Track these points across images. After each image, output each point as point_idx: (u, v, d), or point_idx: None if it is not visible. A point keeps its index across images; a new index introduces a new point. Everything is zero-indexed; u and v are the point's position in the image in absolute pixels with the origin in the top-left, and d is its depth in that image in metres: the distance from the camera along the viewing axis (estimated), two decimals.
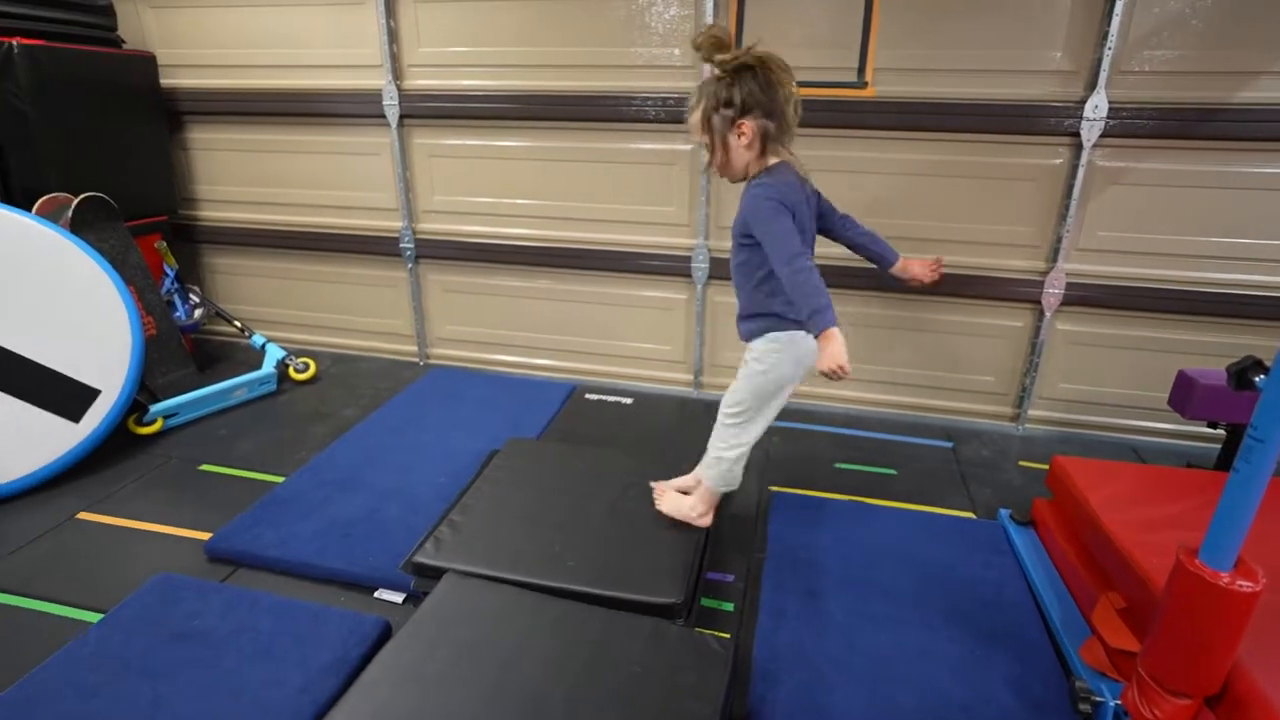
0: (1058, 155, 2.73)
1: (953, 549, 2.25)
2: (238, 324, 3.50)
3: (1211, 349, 2.80)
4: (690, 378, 3.44)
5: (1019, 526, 2.38)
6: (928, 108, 2.76)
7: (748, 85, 1.62)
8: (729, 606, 2.03)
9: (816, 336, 1.58)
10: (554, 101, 3.09)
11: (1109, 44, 2.51)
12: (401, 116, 3.26)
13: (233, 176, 3.64)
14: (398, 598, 2.01)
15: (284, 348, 3.46)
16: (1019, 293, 2.92)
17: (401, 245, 3.49)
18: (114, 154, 3.21)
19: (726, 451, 1.97)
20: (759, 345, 1.88)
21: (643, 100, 2.98)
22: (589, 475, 2.34)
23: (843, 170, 2.94)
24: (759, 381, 1.88)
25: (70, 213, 2.86)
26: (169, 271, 3.43)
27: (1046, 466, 2.81)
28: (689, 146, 3.04)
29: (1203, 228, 2.69)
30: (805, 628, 1.89)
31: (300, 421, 3.06)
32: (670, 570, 1.88)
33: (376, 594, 2.02)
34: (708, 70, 1.68)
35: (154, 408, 2.85)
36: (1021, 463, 2.88)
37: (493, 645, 1.60)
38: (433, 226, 3.49)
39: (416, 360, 3.76)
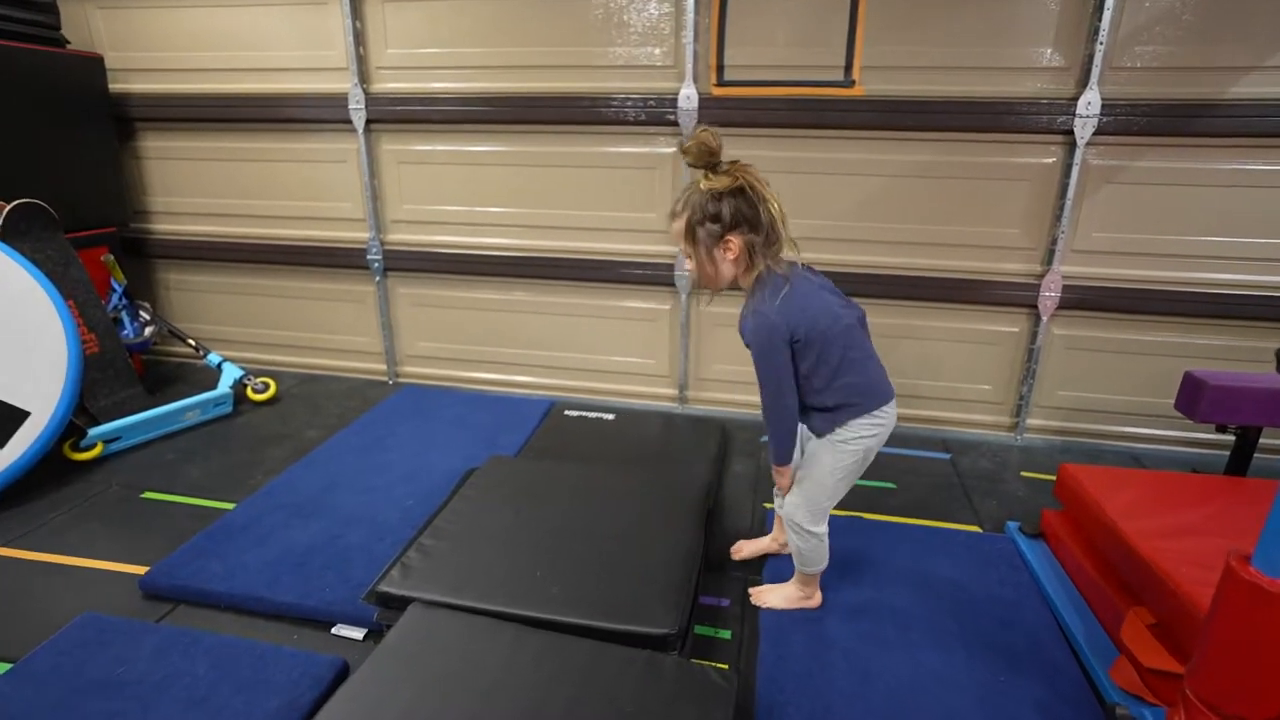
0: (1050, 154, 2.66)
1: (963, 566, 2.11)
2: (192, 342, 3.27)
3: (1214, 351, 2.72)
4: (675, 392, 3.28)
5: (1029, 539, 2.24)
6: (917, 106, 2.67)
7: (734, 201, 1.57)
8: (726, 634, 1.85)
9: (774, 465, 1.78)
10: (529, 104, 2.96)
11: (1100, 39, 2.45)
12: (368, 121, 3.10)
13: (188, 187, 3.44)
14: (358, 633, 1.79)
15: (242, 367, 3.23)
16: (1014, 297, 2.82)
17: (369, 257, 3.31)
18: (56, 161, 3.00)
19: (803, 540, 1.80)
20: (841, 433, 1.72)
21: (622, 101, 2.86)
22: (571, 495, 2.16)
23: (830, 173, 2.84)
24: (846, 466, 1.73)
25: (1, 220, 2.64)
26: (116, 287, 3.20)
27: (1049, 477, 2.71)
28: (671, 150, 2.92)
29: (1200, 227, 2.62)
30: (812, 656, 1.72)
31: (257, 444, 2.83)
32: (662, 597, 1.70)
33: (334, 630, 1.81)
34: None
35: (93, 431, 2.61)
36: (1024, 473, 2.75)
37: (464, 683, 1.40)
38: (402, 237, 3.32)
39: (385, 379, 3.56)
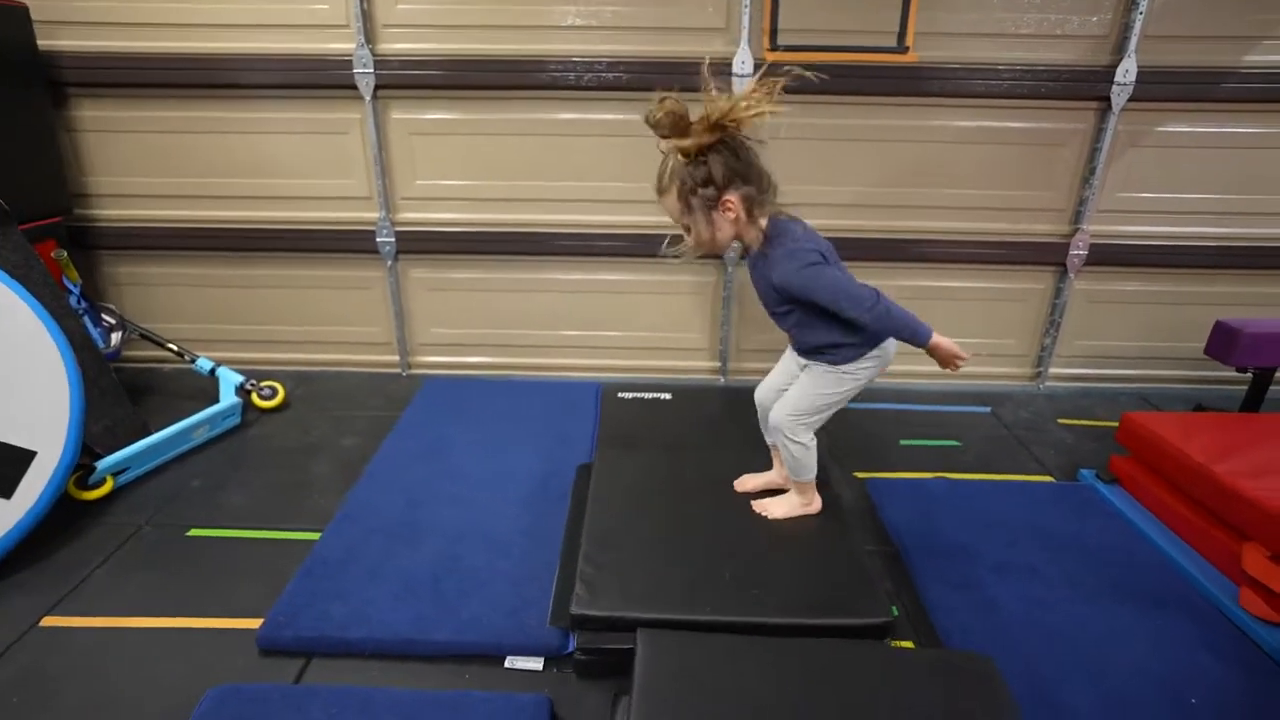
0: (1084, 120, 2.79)
1: (1063, 517, 2.24)
2: (173, 347, 2.83)
3: (1218, 299, 3.00)
4: (716, 365, 3.23)
5: (1107, 485, 2.42)
6: (960, 73, 2.71)
7: (721, 158, 1.53)
8: (894, 610, 1.88)
9: (927, 348, 1.69)
10: (562, 68, 2.72)
11: (1139, 9, 2.57)
12: (377, 87, 2.74)
13: (142, 165, 2.92)
14: (536, 664, 1.66)
15: (239, 371, 2.84)
16: (1044, 256, 2.98)
17: (379, 239, 2.97)
18: None
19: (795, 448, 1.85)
20: (849, 366, 1.79)
21: (673, 66, 2.69)
22: (700, 488, 2.08)
23: (876, 139, 2.85)
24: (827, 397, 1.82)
25: None
26: (71, 288, 2.69)
27: (1084, 422, 2.94)
28: None
29: (1219, 186, 2.86)
30: (987, 623, 1.77)
31: (291, 459, 2.52)
32: (861, 584, 1.69)
33: (507, 663, 1.66)
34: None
35: (100, 464, 2.22)
36: (1060, 420, 2.95)
37: (750, 710, 1.32)
38: (414, 216, 3.00)
39: (398, 371, 3.26)
